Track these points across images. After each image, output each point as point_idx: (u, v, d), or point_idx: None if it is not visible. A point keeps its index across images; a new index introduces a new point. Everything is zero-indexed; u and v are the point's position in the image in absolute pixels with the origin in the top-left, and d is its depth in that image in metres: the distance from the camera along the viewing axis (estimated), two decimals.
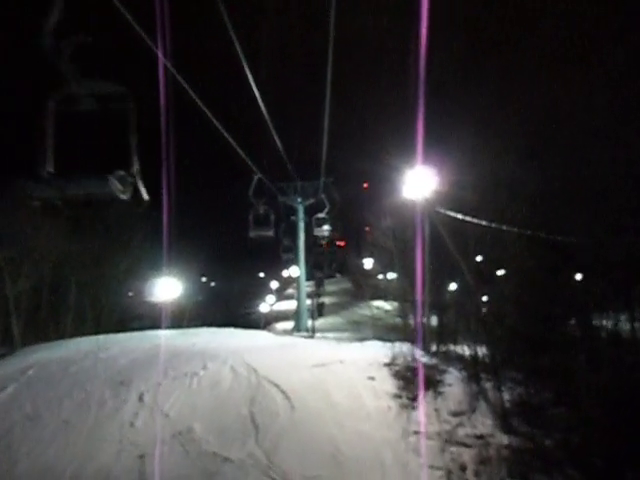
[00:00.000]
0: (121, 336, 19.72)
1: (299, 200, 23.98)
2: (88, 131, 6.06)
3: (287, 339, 18.71)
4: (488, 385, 13.84)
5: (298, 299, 23.97)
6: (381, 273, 71.27)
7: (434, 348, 17.61)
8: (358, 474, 9.74)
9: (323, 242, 23.81)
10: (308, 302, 41.59)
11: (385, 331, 26.01)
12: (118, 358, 15.19)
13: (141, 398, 12.60)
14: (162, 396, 12.57)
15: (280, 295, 75.26)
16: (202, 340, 17.67)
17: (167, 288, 38.51)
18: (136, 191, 6.14)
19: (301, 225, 23.52)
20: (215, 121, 13.59)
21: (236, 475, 9.71)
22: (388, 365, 14.54)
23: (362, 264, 73.89)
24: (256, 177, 21.28)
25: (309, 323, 23.26)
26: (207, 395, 12.66)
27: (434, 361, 15.77)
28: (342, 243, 26.22)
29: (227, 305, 63.43)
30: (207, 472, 9.83)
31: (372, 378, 13.60)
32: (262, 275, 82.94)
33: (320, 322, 52.24)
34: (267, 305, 60.69)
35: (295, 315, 22.61)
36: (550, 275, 14.70)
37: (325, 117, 17.03)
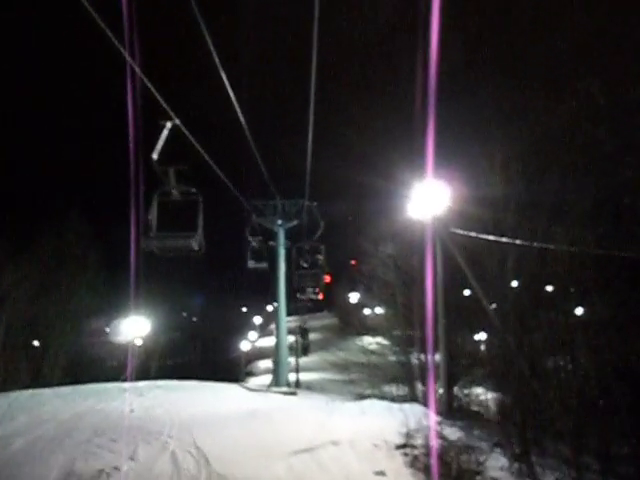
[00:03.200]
0: (46, 394, 14.69)
1: (279, 222, 18.87)
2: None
3: (262, 401, 13.80)
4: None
5: (277, 347, 18.41)
6: (367, 307, 67.01)
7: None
8: None
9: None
10: (291, 339, 36.57)
11: (382, 378, 21.18)
12: (14, 438, 10.21)
13: None
14: None
15: (263, 330, 69.92)
16: (146, 403, 12.79)
17: (134, 327, 33.55)
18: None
19: (281, 252, 19.05)
20: (205, 154, 11.01)
21: None
22: (402, 447, 9.79)
23: (348, 298, 69.54)
24: (254, 218, 18.44)
25: (291, 376, 18.64)
26: None
27: (459, 434, 11.08)
28: (327, 278, 20.86)
29: (205, 343, 58.11)
30: None
31: (382, 473, 8.82)
32: (245, 309, 77.71)
33: (305, 360, 47.22)
34: (248, 343, 55.47)
35: (274, 365, 17.62)
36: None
37: (310, 113, 12.68)
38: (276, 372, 17.18)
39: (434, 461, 9.35)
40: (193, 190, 9.88)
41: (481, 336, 24.61)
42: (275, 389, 16.22)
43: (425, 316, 14.35)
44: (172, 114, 9.15)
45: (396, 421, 11.11)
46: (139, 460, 9.02)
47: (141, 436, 10.09)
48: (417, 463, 9.28)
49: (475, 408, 15.88)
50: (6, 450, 9.59)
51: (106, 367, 34.02)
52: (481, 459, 9.67)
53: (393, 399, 15.74)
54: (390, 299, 17.60)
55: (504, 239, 11.57)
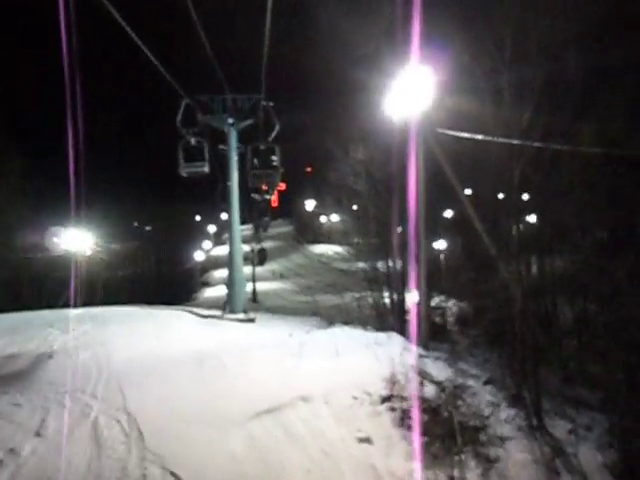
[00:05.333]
0: None
1: (230, 121, 15.29)
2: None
3: (213, 335, 11.39)
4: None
5: (230, 266, 15.29)
6: (323, 215, 65.07)
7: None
8: None
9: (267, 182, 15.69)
10: (246, 248, 34.21)
11: (344, 285, 19.28)
12: None
13: None
14: None
15: (218, 239, 67.29)
16: (71, 343, 10.30)
17: (77, 238, 30.27)
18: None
19: (233, 156, 15.47)
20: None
21: None
22: (387, 400, 7.77)
23: (303, 206, 67.21)
24: (184, 102, 15.00)
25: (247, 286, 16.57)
26: None
27: (446, 372, 9.22)
28: (282, 186, 18.07)
29: (158, 253, 55.18)
30: None
31: (367, 440, 6.79)
32: (199, 218, 74.26)
33: (261, 270, 45.46)
34: (202, 253, 53.05)
35: (227, 288, 15.00)
36: None
37: None
38: (230, 296, 14.74)
39: (428, 417, 7.43)
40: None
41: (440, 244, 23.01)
42: (230, 316, 13.94)
43: (404, 230, 12.11)
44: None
45: (377, 362, 9.09)
46: (47, 436, 6.63)
47: (56, 396, 7.66)
48: (408, 421, 7.32)
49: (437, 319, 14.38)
50: None
51: (48, 284, 30.94)
52: (485, 411, 7.82)
53: (364, 323, 13.86)
54: (359, 211, 15.16)
55: (511, 140, 9.07)
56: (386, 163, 13.00)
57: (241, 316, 13.94)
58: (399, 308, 13.09)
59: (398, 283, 13.33)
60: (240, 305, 14.27)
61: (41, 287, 30.38)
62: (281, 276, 48.91)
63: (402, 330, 12.10)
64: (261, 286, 40.35)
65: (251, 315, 14.16)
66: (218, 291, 37.75)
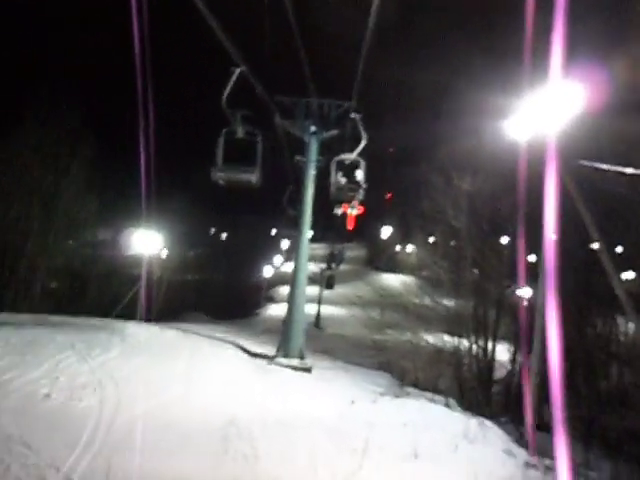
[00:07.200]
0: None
1: (312, 129, 12.43)
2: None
3: (253, 396, 8.72)
4: None
5: (291, 298, 12.46)
6: (398, 243, 61.83)
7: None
8: None
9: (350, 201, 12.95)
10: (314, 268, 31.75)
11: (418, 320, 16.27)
12: None
13: None
14: None
15: (290, 255, 65.63)
16: (79, 380, 8.13)
17: (149, 240, 29.23)
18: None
19: (311, 171, 12.63)
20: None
21: None
22: None
23: (380, 232, 64.25)
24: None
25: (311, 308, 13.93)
26: None
27: None
28: (361, 209, 15.10)
29: (231, 262, 54.05)
30: None
31: None
32: (274, 232, 73.05)
33: (328, 293, 42.94)
34: (272, 268, 51.45)
35: (284, 325, 12.25)
36: None
37: None
38: (286, 335, 12.06)
39: None
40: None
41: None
42: (283, 361, 11.36)
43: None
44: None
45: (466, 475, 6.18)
46: None
47: (23, 469, 5.38)
48: None
49: None
50: None
51: (115, 283, 29.96)
52: None
53: (447, 391, 10.89)
54: (452, 251, 12.27)
55: None
56: (496, 199, 10.07)
57: (296, 362, 11.30)
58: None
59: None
60: (296, 348, 11.60)
61: (107, 285, 29.51)
62: (349, 302, 46.28)
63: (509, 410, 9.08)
64: (326, 310, 38.06)
65: (307, 362, 11.49)
66: (282, 309, 35.72)
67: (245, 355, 11.93)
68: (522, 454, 7.56)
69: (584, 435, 10.11)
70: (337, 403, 8.77)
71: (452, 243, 12.69)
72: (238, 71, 10.35)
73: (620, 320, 13.46)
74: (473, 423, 8.30)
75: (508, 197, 9.62)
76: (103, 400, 7.44)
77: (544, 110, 7.91)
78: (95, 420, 6.75)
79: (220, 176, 11.03)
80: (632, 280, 15.27)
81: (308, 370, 11.18)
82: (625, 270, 13.62)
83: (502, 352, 13.71)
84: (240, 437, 6.51)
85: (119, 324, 13.20)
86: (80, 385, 7.95)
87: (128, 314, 19.16)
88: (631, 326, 12.74)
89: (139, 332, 12.04)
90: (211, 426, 6.83)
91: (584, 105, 7.99)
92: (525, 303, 9.16)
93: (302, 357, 11.54)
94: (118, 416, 6.94)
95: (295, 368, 11.05)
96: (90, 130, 22.97)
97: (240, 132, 10.94)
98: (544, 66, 7.70)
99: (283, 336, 11.89)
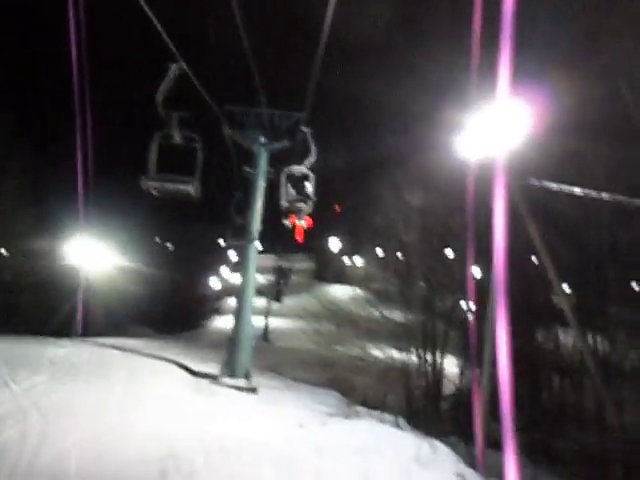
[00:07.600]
0: None
1: (262, 140, 12.01)
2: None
3: (195, 420, 8.12)
4: None
5: (238, 314, 11.85)
6: (346, 255, 61.99)
7: None
8: None
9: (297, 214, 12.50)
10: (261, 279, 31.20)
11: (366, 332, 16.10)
12: None
13: None
14: None
15: (238, 267, 64.36)
16: (4, 407, 7.34)
17: (89, 250, 27.75)
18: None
19: (260, 182, 12.16)
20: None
21: None
22: None
23: (327, 244, 64.31)
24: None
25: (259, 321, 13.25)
26: None
27: None
28: (309, 222, 14.36)
29: (175, 274, 52.35)
30: None
31: None
32: (222, 241, 71.51)
33: (276, 306, 42.38)
34: (218, 280, 50.41)
35: (230, 342, 11.60)
36: None
37: None
38: (232, 352, 11.48)
39: None
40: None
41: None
42: (228, 381, 10.80)
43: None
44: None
45: None
46: None
47: None
48: None
49: None
50: None
51: (52, 295, 28.14)
52: None
53: (397, 408, 10.67)
54: (401, 266, 12.17)
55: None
56: (448, 215, 10.02)
57: (241, 383, 10.77)
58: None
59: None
60: (242, 367, 11.08)
61: (43, 297, 27.85)
62: (297, 315, 46.06)
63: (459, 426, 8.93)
64: (274, 322, 37.52)
65: (253, 383, 10.98)
66: (229, 321, 34.83)
67: (188, 375, 11.28)
68: (473, 477, 7.40)
69: (529, 451, 10.13)
70: (285, 427, 8.33)
71: (402, 257, 12.60)
72: (175, 66, 9.11)
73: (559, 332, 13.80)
74: (425, 446, 8.08)
75: (459, 213, 9.60)
76: (25, 433, 6.68)
77: (491, 128, 7.96)
78: (15, 456, 6.04)
79: (152, 185, 9.81)
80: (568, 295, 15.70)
81: (254, 391, 10.68)
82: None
83: (451, 365, 13.72)
84: (179, 470, 5.97)
85: (51, 342, 12.24)
86: (2, 414, 7.16)
87: (63, 329, 18.04)
88: (569, 340, 13.05)
89: (72, 352, 11.17)
90: (149, 457, 6.24)
91: (531, 124, 8.11)
92: (472, 317, 9.12)
93: (248, 376, 11.03)
94: (43, 450, 6.24)
95: (240, 389, 10.52)
96: (26, 138, 21.59)
97: (177, 136, 9.75)
98: (492, 84, 7.75)
99: (229, 353, 11.35)
